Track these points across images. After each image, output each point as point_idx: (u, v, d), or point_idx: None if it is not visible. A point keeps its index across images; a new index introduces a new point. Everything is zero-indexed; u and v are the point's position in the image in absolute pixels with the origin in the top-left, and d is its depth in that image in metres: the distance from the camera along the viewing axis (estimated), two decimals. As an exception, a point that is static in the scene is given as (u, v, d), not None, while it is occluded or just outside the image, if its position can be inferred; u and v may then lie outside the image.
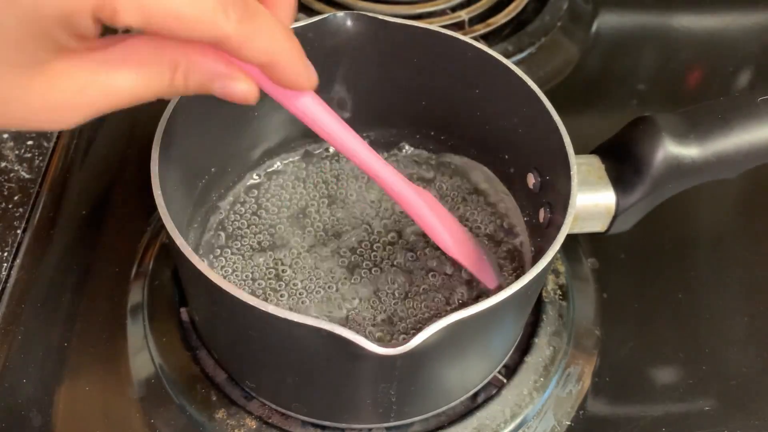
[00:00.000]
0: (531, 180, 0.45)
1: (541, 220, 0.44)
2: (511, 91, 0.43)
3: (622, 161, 0.45)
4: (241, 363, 0.42)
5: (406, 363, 0.35)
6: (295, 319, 0.32)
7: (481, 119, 0.48)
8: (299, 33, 0.44)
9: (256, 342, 0.38)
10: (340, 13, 0.44)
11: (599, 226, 0.46)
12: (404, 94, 0.49)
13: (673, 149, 0.43)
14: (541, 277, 0.36)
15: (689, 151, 0.43)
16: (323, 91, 0.49)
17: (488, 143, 0.49)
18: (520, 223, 0.48)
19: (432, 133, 0.52)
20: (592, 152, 0.46)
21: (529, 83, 0.42)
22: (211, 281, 0.33)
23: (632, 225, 0.47)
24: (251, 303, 0.32)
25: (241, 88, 0.30)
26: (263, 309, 0.32)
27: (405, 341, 0.31)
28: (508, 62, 0.43)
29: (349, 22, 0.45)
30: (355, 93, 0.49)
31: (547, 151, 0.42)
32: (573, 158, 0.39)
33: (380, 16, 0.44)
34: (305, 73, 0.32)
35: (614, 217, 0.45)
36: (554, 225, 0.40)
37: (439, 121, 0.51)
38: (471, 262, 0.44)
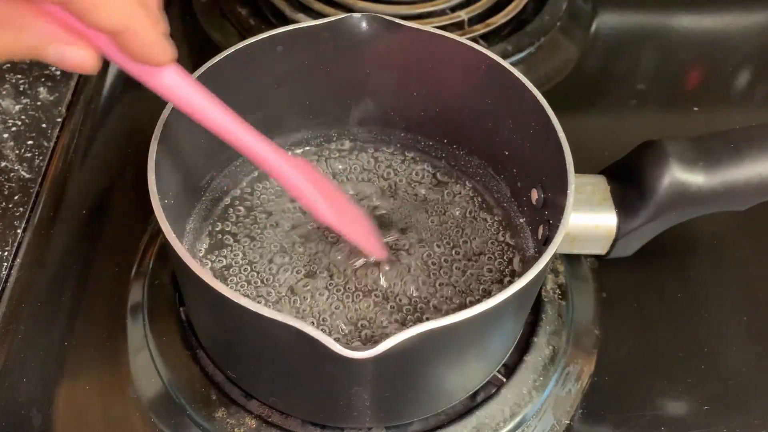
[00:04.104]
0: (535, 196, 0.45)
1: (539, 236, 0.44)
2: (522, 105, 0.43)
3: (628, 184, 0.44)
4: (223, 353, 0.43)
5: (382, 367, 0.35)
6: (266, 315, 0.32)
7: (493, 131, 0.47)
8: (315, 31, 0.44)
9: (234, 335, 0.38)
10: (357, 15, 0.44)
11: (599, 249, 0.46)
12: (418, 99, 0.49)
13: (679, 175, 0.42)
14: (524, 293, 0.35)
15: (696, 179, 0.42)
16: (336, 92, 0.49)
17: (499, 156, 0.48)
18: (526, 236, 0.48)
19: (445, 141, 0.51)
20: (600, 172, 0.46)
21: (540, 100, 0.41)
22: (192, 271, 0.33)
23: (634, 251, 0.47)
24: (228, 296, 0.32)
25: (76, 55, 0.28)
26: (236, 301, 0.32)
27: (373, 345, 0.31)
28: (523, 77, 0.42)
29: (364, 24, 0.44)
30: (369, 94, 0.50)
31: (551, 169, 0.41)
32: (572, 177, 0.38)
33: (397, 20, 0.44)
34: (160, 43, 0.30)
35: (615, 240, 0.45)
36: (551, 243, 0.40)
37: (452, 129, 0.50)
38: (353, 233, 0.43)
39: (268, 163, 0.38)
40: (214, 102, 0.35)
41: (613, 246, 0.46)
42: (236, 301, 0.32)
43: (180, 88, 0.33)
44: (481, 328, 0.37)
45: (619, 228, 0.44)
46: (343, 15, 0.44)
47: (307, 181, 0.40)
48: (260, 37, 0.44)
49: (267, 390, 0.42)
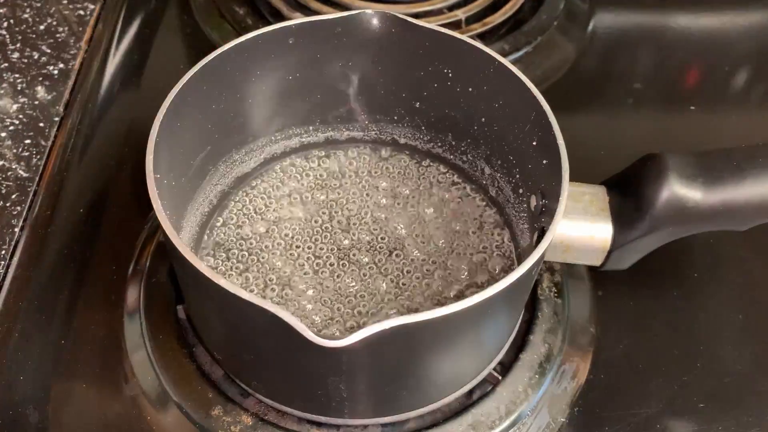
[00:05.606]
0: (533, 202, 0.45)
1: (534, 242, 0.44)
2: (528, 112, 0.43)
3: (626, 196, 0.43)
4: (216, 340, 0.43)
5: (357, 358, 0.35)
6: (245, 297, 0.32)
7: (499, 134, 0.47)
8: (327, 26, 0.45)
9: (219, 318, 0.39)
10: (369, 11, 0.45)
11: (594, 260, 0.45)
12: (427, 98, 0.49)
13: (678, 190, 0.42)
14: (504, 297, 0.35)
15: (694, 195, 0.42)
16: (345, 88, 0.49)
17: (504, 159, 0.48)
18: (526, 239, 0.48)
19: (453, 142, 0.51)
20: (601, 183, 0.46)
21: (542, 102, 0.41)
22: (189, 262, 0.34)
23: (630, 265, 0.46)
24: (209, 275, 0.33)
25: None
26: (216, 281, 0.33)
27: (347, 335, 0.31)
28: (531, 84, 0.42)
29: (375, 21, 0.45)
30: (378, 91, 0.50)
31: (550, 176, 0.41)
32: (566, 183, 0.38)
33: (409, 19, 0.44)
34: None
35: (609, 252, 0.44)
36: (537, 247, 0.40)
37: (459, 129, 0.50)
38: None
39: None
40: None
41: (607, 258, 0.45)
42: (216, 282, 0.33)
43: None
44: (461, 327, 0.37)
45: (614, 240, 0.44)
46: (356, 11, 0.45)
47: None
48: (272, 28, 0.44)
49: (250, 375, 0.42)
